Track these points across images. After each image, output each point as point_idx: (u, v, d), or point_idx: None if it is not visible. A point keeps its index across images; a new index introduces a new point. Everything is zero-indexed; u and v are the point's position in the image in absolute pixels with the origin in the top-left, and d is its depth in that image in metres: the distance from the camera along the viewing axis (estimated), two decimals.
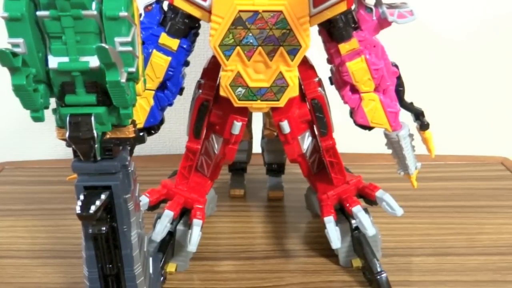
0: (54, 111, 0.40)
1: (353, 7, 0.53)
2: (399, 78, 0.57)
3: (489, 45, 0.94)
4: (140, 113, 0.55)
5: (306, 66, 0.57)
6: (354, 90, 0.56)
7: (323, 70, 0.59)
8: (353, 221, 0.60)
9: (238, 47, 0.51)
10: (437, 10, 0.90)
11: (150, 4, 0.54)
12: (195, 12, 0.52)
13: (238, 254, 0.65)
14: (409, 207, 0.68)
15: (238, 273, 0.62)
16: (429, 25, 0.89)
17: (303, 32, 0.50)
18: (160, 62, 0.54)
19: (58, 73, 0.38)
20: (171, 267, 0.61)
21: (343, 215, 0.62)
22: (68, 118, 0.39)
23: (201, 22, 0.55)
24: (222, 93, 0.53)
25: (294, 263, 0.63)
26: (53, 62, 0.38)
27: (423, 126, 0.59)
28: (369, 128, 0.58)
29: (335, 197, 0.61)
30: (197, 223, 0.58)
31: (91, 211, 0.39)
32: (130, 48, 0.38)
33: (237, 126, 0.56)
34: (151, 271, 0.52)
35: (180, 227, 0.61)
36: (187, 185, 0.61)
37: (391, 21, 0.53)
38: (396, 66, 0.56)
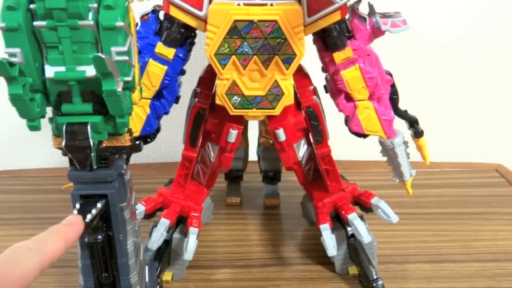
0: (51, 120, 0.40)
1: (347, 16, 0.53)
2: (393, 86, 0.57)
3: (483, 53, 0.95)
4: (136, 122, 0.55)
5: (301, 74, 0.57)
6: (349, 98, 0.56)
7: (318, 79, 0.59)
8: (349, 229, 0.60)
9: (233, 56, 0.51)
10: (430, 19, 0.91)
11: (147, 14, 0.55)
12: (191, 22, 0.53)
13: (234, 262, 0.65)
14: (405, 214, 0.68)
15: (235, 281, 0.62)
16: (422, 33, 0.89)
17: (298, 41, 0.50)
18: (156, 71, 0.54)
19: (54, 82, 0.38)
20: (167, 276, 0.61)
21: (339, 222, 0.62)
22: (64, 127, 0.39)
23: (197, 31, 0.55)
24: (218, 101, 0.54)
25: (290, 271, 0.63)
26: (50, 71, 0.38)
27: (418, 133, 0.60)
28: (364, 135, 0.58)
29: (330, 204, 0.61)
30: (193, 231, 0.58)
31: (87, 220, 0.40)
32: (126, 58, 0.38)
33: (233, 134, 0.57)
34: (147, 279, 0.52)
35: (176, 235, 0.61)
36: (183, 193, 0.61)
37: (385, 30, 0.53)
38: (390, 74, 0.57)
